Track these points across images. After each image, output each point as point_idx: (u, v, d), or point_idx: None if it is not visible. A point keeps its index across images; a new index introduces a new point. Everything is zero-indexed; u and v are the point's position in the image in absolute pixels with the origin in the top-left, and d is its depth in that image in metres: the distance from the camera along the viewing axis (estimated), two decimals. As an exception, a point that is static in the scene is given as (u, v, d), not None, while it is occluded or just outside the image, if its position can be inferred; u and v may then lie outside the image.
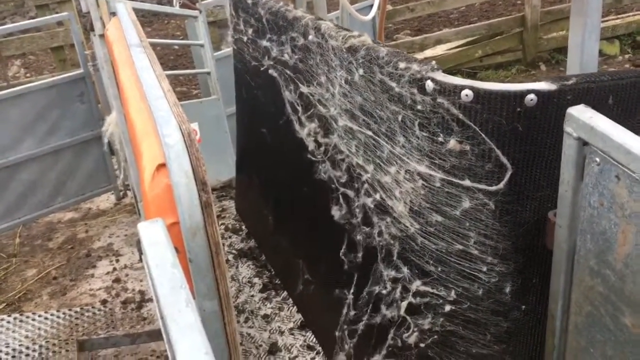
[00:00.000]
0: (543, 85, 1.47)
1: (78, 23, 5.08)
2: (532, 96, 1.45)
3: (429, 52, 7.08)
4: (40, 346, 3.30)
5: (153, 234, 1.15)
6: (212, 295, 1.39)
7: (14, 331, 3.43)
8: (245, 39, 2.69)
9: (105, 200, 5.39)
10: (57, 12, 6.19)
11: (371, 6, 6.26)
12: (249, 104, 2.82)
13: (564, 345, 1.61)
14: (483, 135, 1.50)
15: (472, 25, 7.75)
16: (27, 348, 3.26)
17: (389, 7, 8.73)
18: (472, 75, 7.25)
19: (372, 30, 6.47)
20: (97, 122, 4.28)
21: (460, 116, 1.51)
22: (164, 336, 0.96)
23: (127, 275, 4.58)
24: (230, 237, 3.60)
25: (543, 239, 1.61)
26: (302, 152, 2.25)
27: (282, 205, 2.74)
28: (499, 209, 1.56)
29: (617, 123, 1.32)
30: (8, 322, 3.47)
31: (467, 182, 1.57)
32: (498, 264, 1.63)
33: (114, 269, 4.67)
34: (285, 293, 2.95)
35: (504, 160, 1.51)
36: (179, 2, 5.08)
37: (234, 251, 3.46)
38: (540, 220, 1.59)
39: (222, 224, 3.78)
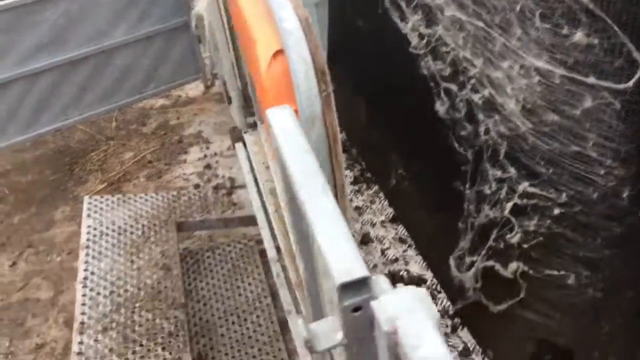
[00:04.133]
0: (694, -30, 1.29)
1: None
2: (679, -17, 1.28)
3: None
4: (143, 225, 3.51)
5: (283, 120, 1.13)
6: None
7: (118, 210, 3.63)
8: None
9: (195, 89, 5.46)
10: None
11: None
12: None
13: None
14: (615, 28, 1.36)
15: None
16: (131, 226, 3.47)
17: None
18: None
19: None
20: (186, 9, 4.22)
21: (591, 6, 1.36)
22: (304, 219, 0.99)
23: (217, 162, 4.73)
24: (319, 127, 3.59)
25: (670, 143, 1.49)
26: (403, 46, 2.14)
27: (376, 99, 2.67)
28: (624, 109, 1.44)
29: None
30: (112, 201, 3.67)
31: (591, 80, 1.44)
32: (617, 167, 1.52)
33: (205, 155, 4.81)
34: (376, 187, 2.94)
35: (637, 56, 1.37)
36: None
37: (323, 142, 3.46)
38: (670, 122, 1.46)
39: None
